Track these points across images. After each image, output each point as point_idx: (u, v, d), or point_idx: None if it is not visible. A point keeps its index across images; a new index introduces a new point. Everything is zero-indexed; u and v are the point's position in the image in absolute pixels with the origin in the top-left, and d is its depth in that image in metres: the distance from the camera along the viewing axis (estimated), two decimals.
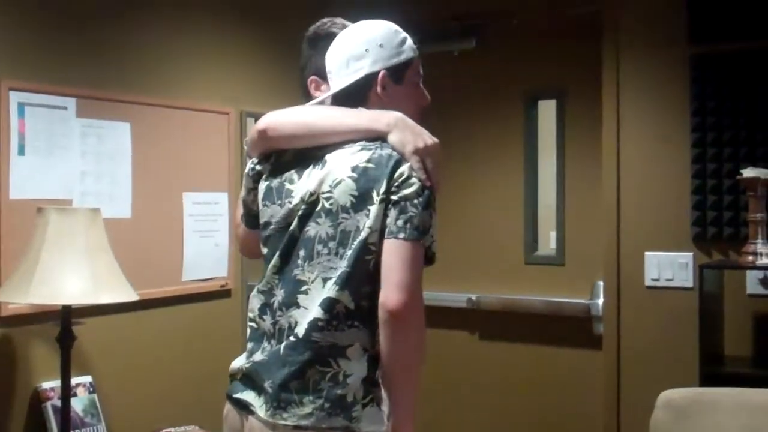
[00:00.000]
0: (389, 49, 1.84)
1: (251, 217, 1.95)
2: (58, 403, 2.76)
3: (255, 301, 1.84)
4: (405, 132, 1.75)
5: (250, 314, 1.85)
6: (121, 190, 3.13)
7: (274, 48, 3.76)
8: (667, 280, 3.42)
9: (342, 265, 1.71)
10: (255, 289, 1.85)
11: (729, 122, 3.30)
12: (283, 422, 1.70)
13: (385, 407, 1.70)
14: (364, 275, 1.70)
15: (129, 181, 3.16)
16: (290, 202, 1.80)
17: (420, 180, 1.71)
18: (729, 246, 3.31)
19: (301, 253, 1.76)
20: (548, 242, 4.12)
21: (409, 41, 1.89)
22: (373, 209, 1.70)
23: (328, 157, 1.78)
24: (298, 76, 2.08)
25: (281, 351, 1.73)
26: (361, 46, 1.83)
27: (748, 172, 3.00)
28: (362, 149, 1.76)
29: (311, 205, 1.77)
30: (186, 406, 3.31)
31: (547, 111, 4.10)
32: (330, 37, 1.94)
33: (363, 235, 1.70)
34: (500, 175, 4.15)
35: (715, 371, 3.05)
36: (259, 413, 1.74)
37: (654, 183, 3.45)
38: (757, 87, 3.25)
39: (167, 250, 3.32)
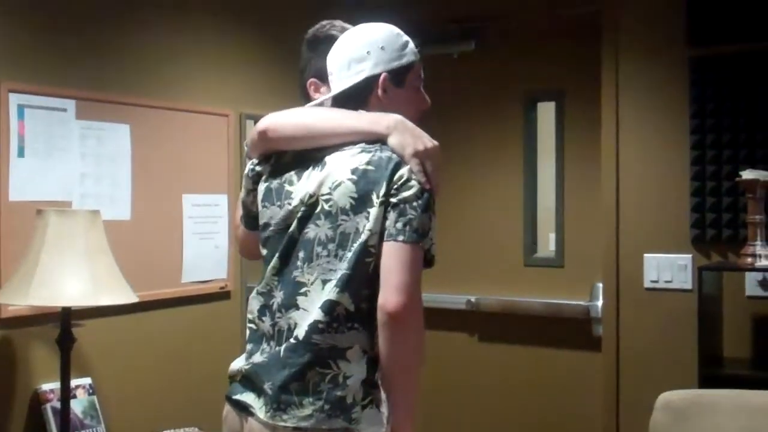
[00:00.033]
0: (391, 52, 1.84)
1: (251, 219, 1.95)
2: (58, 404, 2.76)
3: (254, 303, 1.84)
4: (405, 134, 1.75)
5: (250, 316, 1.85)
6: (120, 192, 3.13)
7: (274, 50, 3.76)
8: (666, 281, 3.42)
9: (342, 267, 1.71)
10: (254, 291, 1.85)
11: (728, 124, 3.30)
12: (282, 424, 1.70)
13: (384, 409, 1.70)
14: (363, 277, 1.70)
15: (129, 183, 3.16)
16: (290, 204, 1.80)
17: (419, 183, 1.71)
18: (728, 248, 3.31)
19: (301, 254, 1.76)
20: (547, 244, 4.12)
21: (411, 45, 1.88)
22: (373, 212, 1.70)
23: (327, 158, 1.78)
24: (298, 78, 2.08)
25: (281, 353, 1.73)
26: (362, 49, 1.83)
27: (747, 174, 3.00)
28: (362, 151, 1.76)
29: (310, 206, 1.77)
30: (185, 407, 3.31)
31: (546, 113, 4.10)
32: (329, 39, 1.94)
33: (363, 237, 1.70)
34: (499, 177, 4.15)
35: (714, 373, 3.05)
36: (258, 415, 1.74)
37: (653, 185, 3.45)
38: (757, 89, 3.25)
39: (167, 251, 3.32)
